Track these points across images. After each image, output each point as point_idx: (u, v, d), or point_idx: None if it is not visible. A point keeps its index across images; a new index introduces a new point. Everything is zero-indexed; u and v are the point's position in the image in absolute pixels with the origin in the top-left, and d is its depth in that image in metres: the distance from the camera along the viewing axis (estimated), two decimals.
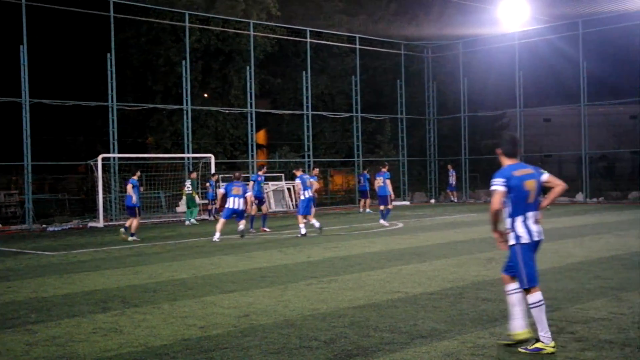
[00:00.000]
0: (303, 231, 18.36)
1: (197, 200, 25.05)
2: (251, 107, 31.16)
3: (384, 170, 21.49)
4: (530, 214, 6.38)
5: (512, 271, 6.46)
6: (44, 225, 24.13)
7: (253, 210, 20.35)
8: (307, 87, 32.90)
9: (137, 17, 29.23)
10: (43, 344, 7.07)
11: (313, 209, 19.35)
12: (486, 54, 36.52)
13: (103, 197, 24.77)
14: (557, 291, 9.27)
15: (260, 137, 40.25)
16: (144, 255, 14.95)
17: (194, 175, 25.02)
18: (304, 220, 18.66)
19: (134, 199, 18.16)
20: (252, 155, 31.08)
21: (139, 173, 18.83)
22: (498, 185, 6.38)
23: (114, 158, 26.45)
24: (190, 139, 28.86)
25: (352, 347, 6.65)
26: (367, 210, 28.90)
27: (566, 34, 32.18)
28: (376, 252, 14.38)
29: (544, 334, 6.21)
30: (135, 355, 6.55)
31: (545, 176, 6.58)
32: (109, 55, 26.68)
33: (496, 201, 6.34)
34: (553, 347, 6.18)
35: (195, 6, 32.41)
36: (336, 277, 10.88)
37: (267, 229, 20.33)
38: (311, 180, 19.59)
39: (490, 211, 6.36)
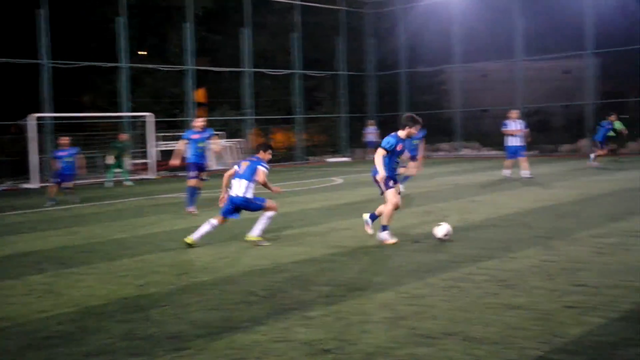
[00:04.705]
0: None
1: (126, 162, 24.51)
2: (190, 65, 30.64)
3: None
4: None
5: None
6: None
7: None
8: (247, 44, 32.49)
9: None
10: None
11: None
12: (425, 9, 36.58)
13: (38, 158, 24.18)
14: (492, 241, 9.53)
15: (200, 95, 39.65)
16: (81, 216, 14.71)
17: (124, 136, 24.58)
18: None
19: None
20: (192, 114, 30.68)
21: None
22: None
23: (48, 118, 25.76)
24: (127, 97, 28.27)
25: (291, 301, 6.72)
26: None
27: None
28: (317, 208, 14.48)
29: None
30: (72, 316, 6.49)
31: None
32: (40, 11, 25.78)
33: None
34: None
35: None
36: (277, 234, 10.92)
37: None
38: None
39: None
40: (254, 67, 33.59)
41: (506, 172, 19.75)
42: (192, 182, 14.38)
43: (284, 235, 10.84)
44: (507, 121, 20.24)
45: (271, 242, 10.09)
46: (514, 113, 20.28)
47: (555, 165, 24.62)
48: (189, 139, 14.55)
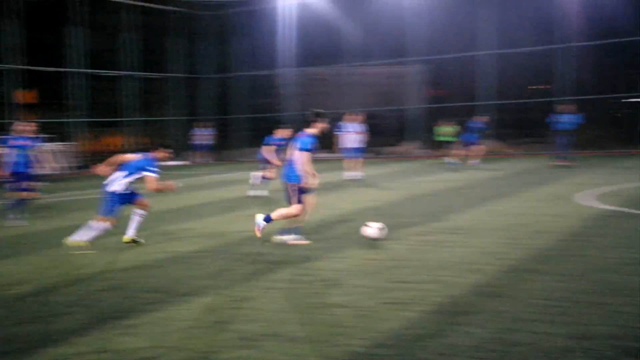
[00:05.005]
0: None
1: None
2: (17, 64, 28.93)
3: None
4: None
5: None
6: None
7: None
8: (78, 44, 31.17)
9: None
10: None
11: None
12: (264, 13, 36.79)
13: None
14: (318, 241, 9.72)
15: (27, 96, 37.51)
16: None
17: None
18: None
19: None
20: (18, 117, 28.95)
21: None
22: None
23: None
24: None
25: (113, 309, 6.51)
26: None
27: None
28: (149, 213, 14.10)
29: None
30: None
31: None
32: None
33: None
34: None
35: None
36: (103, 240, 10.52)
37: None
38: None
39: None
40: (85, 68, 32.29)
41: (350, 174, 20.31)
42: (17, 194, 13.09)
43: (111, 241, 10.48)
44: (342, 123, 20.85)
45: (95, 249, 9.69)
46: (352, 116, 20.94)
47: (387, 167, 25.65)
48: (11, 146, 13.19)
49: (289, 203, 9.51)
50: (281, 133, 16.73)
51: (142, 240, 10.16)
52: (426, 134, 32.20)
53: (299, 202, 9.44)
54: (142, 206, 10.11)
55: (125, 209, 10.18)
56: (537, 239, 9.37)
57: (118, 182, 9.76)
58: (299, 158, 9.29)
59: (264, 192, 16.53)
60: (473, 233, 10.06)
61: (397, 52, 33.38)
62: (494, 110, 30.91)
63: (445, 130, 26.75)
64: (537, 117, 27.41)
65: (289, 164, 9.51)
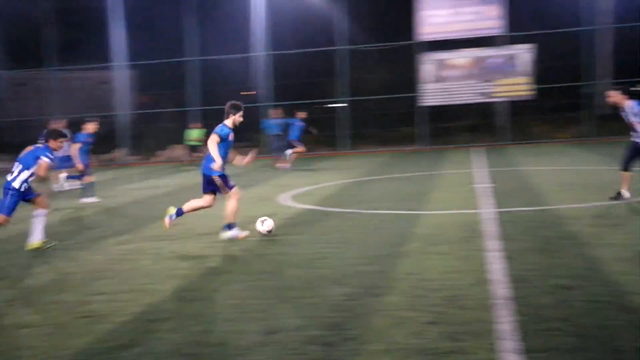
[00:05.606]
0: None
1: None
2: None
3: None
4: None
5: None
6: None
7: None
8: None
9: None
10: None
11: None
12: None
13: None
14: (9, 258, 9.10)
15: None
16: None
17: None
18: None
19: None
20: None
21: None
22: None
23: None
24: None
25: None
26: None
27: None
28: None
29: None
30: None
31: None
32: None
33: None
34: None
35: None
36: None
37: None
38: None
39: None
40: None
41: (57, 185, 18.91)
42: None
43: None
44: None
45: None
46: (61, 124, 19.84)
47: (108, 174, 24.71)
48: None
49: (220, 194, 9.46)
50: (89, 128, 15.55)
51: (54, 243, 9.60)
52: (136, 140, 31.86)
53: (231, 188, 9.35)
54: (41, 205, 9.34)
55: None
56: (238, 240, 9.62)
57: (17, 178, 9.03)
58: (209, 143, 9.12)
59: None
60: (176, 239, 10.01)
61: (104, 56, 32.49)
62: (202, 115, 31.41)
63: (194, 133, 26.58)
64: (250, 122, 28.28)
65: (209, 157, 9.25)
